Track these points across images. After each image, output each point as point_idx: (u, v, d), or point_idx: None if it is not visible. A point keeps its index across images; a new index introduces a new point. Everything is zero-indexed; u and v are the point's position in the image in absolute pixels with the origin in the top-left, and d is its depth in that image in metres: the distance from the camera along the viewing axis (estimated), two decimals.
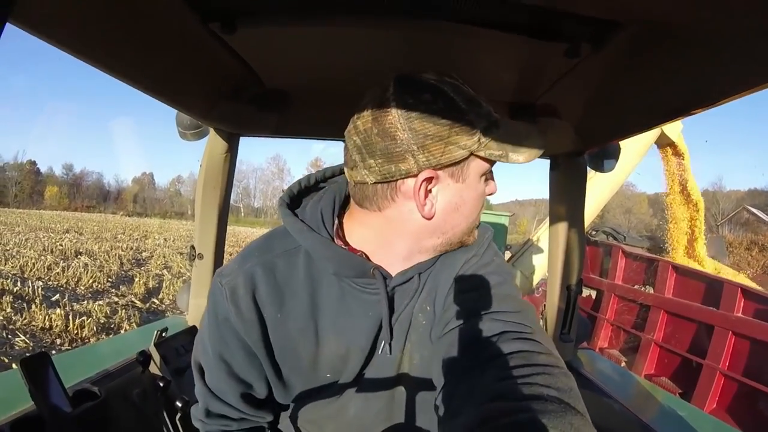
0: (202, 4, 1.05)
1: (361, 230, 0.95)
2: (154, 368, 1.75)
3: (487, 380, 0.73)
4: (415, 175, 0.82)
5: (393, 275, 0.95)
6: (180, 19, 1.07)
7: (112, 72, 1.06)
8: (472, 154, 0.83)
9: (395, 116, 0.79)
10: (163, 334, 1.85)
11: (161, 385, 1.63)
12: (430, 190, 0.85)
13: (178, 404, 1.59)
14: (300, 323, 0.94)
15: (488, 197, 0.98)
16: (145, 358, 1.69)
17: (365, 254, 0.94)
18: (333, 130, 1.80)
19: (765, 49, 0.79)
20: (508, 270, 1.02)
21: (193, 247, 2.04)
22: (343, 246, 0.94)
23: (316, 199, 0.99)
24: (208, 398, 1.00)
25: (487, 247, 1.03)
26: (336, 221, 0.96)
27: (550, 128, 1.64)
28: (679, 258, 8.38)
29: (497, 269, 0.99)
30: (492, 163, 0.88)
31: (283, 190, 1.03)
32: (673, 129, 7.50)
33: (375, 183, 0.85)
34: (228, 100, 1.61)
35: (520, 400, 0.66)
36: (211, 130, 1.85)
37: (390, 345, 0.97)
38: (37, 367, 1.19)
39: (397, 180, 0.84)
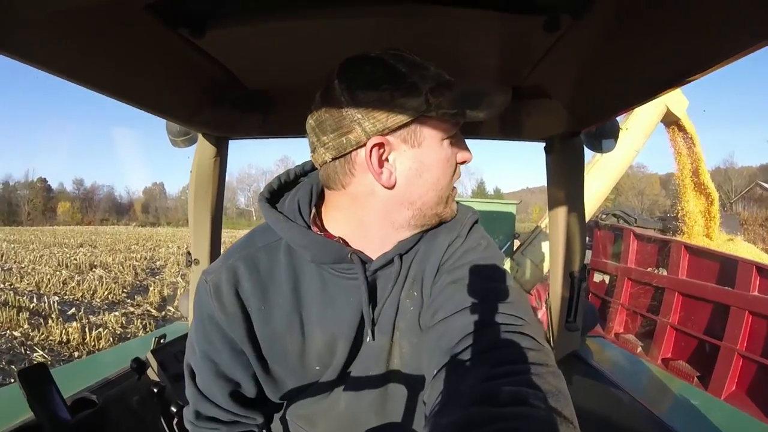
0: (168, 11, 1.04)
1: (335, 213, 0.95)
2: (153, 375, 1.74)
3: (472, 379, 0.70)
4: (365, 144, 0.83)
5: (374, 259, 0.94)
6: (148, 28, 1.05)
7: (91, 86, 1.06)
8: (422, 115, 0.83)
9: (338, 90, 0.82)
10: (161, 341, 1.86)
11: (156, 391, 1.63)
12: (387, 159, 0.86)
13: (173, 409, 1.59)
14: (285, 316, 0.94)
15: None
16: (139, 365, 1.69)
17: (343, 240, 0.94)
18: None
19: (752, 10, 0.75)
20: (498, 255, 0.99)
21: (189, 253, 2.04)
22: (319, 233, 0.94)
23: (294, 191, 1.01)
24: (197, 400, 1.01)
25: (472, 229, 1.01)
26: (313, 210, 0.97)
27: (541, 110, 1.61)
28: (696, 239, 8.25)
29: (485, 254, 0.97)
30: (453, 125, 0.89)
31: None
32: (679, 106, 7.39)
33: (333, 160, 0.87)
34: (212, 105, 1.59)
35: (504, 405, 0.62)
36: (200, 136, 1.84)
37: (373, 331, 0.95)
38: (35, 378, 1.21)
39: (350, 152, 0.85)
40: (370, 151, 0.83)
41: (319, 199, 0.99)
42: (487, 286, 0.89)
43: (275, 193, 1.02)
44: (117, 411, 1.53)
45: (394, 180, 0.87)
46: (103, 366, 1.81)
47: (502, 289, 0.89)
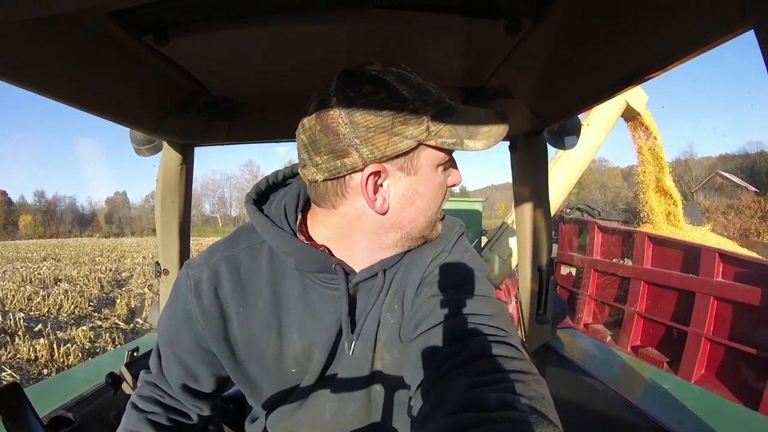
0: (132, 19, 1.03)
1: (321, 229, 0.94)
2: (128, 389, 1.72)
3: (458, 387, 0.71)
4: (361, 170, 0.81)
5: (357, 272, 0.94)
6: (111, 36, 1.04)
7: (54, 96, 1.04)
8: (420, 143, 0.81)
9: (336, 111, 0.78)
10: (135, 354, 1.83)
11: None
12: (381, 185, 0.84)
13: None
14: (263, 318, 0.94)
15: (459, 186, 0.98)
16: (114, 379, 1.67)
17: (328, 249, 0.94)
18: (286, 132, 1.78)
19: (707, 7, 0.78)
20: (481, 267, 0.99)
21: (158, 263, 2.01)
22: (305, 241, 0.93)
23: (281, 194, 0.99)
24: (156, 369, 1.06)
25: (456, 243, 1.01)
26: (299, 216, 0.96)
27: (504, 110, 1.62)
28: (660, 229, 8.40)
29: (469, 267, 0.97)
30: (448, 152, 0.87)
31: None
32: (639, 101, 7.52)
33: (324, 180, 0.84)
34: (177, 112, 1.58)
35: (490, 411, 0.63)
36: (165, 144, 1.81)
37: (354, 342, 0.95)
38: (9, 399, 1.18)
39: (344, 176, 0.83)
40: (366, 179, 0.82)
41: (305, 204, 0.99)
42: (469, 298, 0.89)
43: (262, 195, 1.01)
44: (94, 428, 1.51)
45: (387, 206, 0.86)
46: (76, 382, 1.77)
47: (484, 301, 0.89)
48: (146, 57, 1.20)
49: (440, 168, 0.88)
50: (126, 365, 1.74)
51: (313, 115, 0.81)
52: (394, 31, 1.20)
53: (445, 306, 0.87)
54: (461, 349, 0.78)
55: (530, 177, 1.92)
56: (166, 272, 1.99)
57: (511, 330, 0.84)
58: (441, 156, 0.86)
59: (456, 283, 0.93)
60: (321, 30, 1.19)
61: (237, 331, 0.95)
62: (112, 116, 1.33)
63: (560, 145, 1.88)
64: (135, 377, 1.72)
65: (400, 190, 0.85)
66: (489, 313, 0.85)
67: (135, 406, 1.05)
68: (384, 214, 0.87)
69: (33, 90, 0.97)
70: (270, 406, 1.05)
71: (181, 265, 1.99)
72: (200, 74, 1.44)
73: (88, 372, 2.04)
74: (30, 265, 23.78)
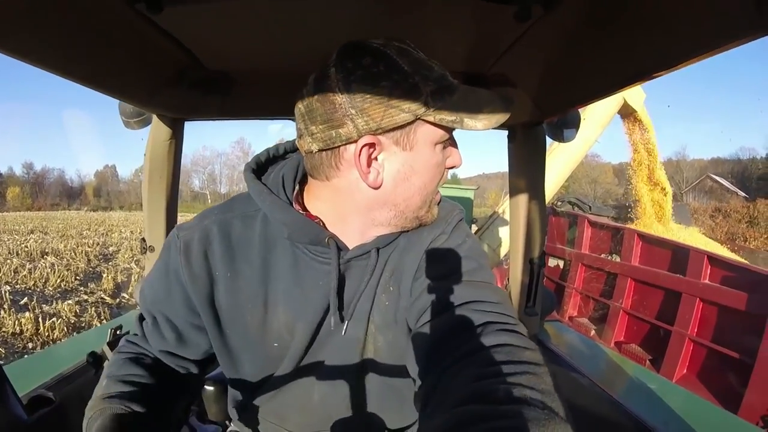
0: None
1: (316, 202, 0.93)
2: None
3: (465, 378, 0.68)
4: (356, 141, 0.80)
5: (350, 248, 0.92)
6: (102, 3, 1.00)
7: (41, 65, 1.00)
8: (418, 118, 0.80)
9: (333, 80, 0.78)
10: (118, 332, 1.80)
11: None
12: (375, 158, 0.83)
13: None
14: (250, 288, 0.94)
15: (453, 171, 0.96)
16: (95, 359, 1.64)
17: (323, 222, 0.93)
18: (279, 109, 1.76)
19: (722, 10, 0.76)
20: (483, 252, 0.99)
21: (144, 240, 1.98)
22: (300, 211, 0.92)
23: (280, 166, 0.99)
24: (140, 332, 1.03)
25: (456, 227, 1.00)
26: (297, 187, 0.95)
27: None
28: (649, 227, 8.45)
29: (471, 252, 0.96)
30: (447, 130, 0.85)
31: None
32: (636, 98, 7.54)
33: (319, 151, 0.84)
34: (168, 85, 1.53)
35: (500, 404, 0.60)
36: (154, 117, 1.77)
37: (347, 323, 0.95)
38: None
39: (339, 146, 0.82)
40: (360, 150, 0.81)
41: (304, 177, 0.97)
42: (474, 285, 0.88)
43: (262, 166, 1.00)
44: (75, 407, 1.47)
45: (380, 181, 0.85)
46: (57, 360, 1.75)
47: (489, 288, 0.88)
48: (138, 26, 1.15)
49: (438, 146, 0.87)
50: (108, 344, 1.72)
51: (312, 84, 0.82)
52: (397, 11, 1.17)
53: (450, 293, 0.86)
54: (469, 338, 0.77)
55: (527, 168, 1.89)
56: (152, 249, 1.96)
57: (516, 318, 0.83)
58: (440, 134, 0.85)
59: (458, 269, 0.92)
60: (321, 6, 1.15)
61: (223, 298, 0.94)
62: (102, 87, 1.28)
63: (559, 137, 1.86)
64: None
65: (395, 165, 0.85)
66: (495, 301, 0.84)
67: (118, 353, 1.02)
68: (377, 188, 0.86)
69: (21, 59, 0.93)
70: (253, 386, 1.04)
71: None
72: (194, 46, 1.39)
73: (69, 350, 2.01)
74: (17, 237, 23.77)
